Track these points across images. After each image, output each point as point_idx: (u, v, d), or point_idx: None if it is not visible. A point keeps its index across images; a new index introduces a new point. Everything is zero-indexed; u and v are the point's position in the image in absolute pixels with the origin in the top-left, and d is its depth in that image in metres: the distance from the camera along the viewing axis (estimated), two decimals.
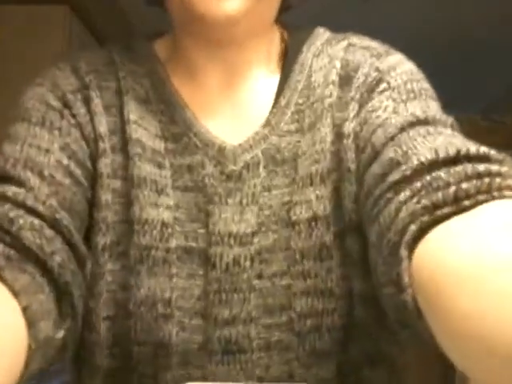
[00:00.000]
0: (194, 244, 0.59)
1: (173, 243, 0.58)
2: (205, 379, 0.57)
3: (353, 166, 0.59)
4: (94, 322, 0.58)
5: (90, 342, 0.59)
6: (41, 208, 0.52)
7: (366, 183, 0.54)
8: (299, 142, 0.61)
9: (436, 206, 0.42)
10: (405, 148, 0.50)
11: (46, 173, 0.55)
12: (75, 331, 0.52)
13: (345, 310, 0.58)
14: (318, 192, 0.59)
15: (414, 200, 0.44)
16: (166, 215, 0.59)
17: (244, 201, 0.59)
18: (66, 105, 0.61)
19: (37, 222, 0.51)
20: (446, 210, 0.42)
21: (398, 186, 0.47)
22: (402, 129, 0.53)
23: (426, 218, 0.42)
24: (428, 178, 0.45)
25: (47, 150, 0.57)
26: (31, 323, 0.44)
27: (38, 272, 0.49)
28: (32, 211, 0.51)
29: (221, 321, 0.58)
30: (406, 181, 0.47)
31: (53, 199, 0.54)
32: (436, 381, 2.37)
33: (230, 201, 0.59)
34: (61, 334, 0.49)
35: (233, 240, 0.58)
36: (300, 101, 0.62)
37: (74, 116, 0.61)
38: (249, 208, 0.59)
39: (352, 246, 0.59)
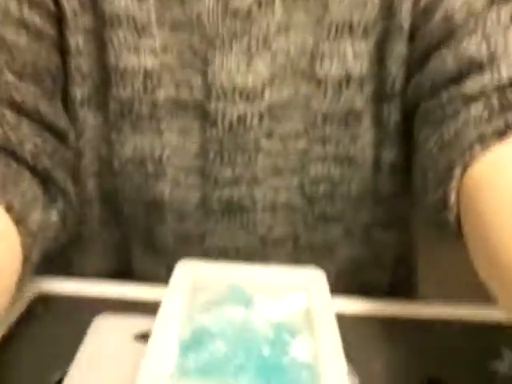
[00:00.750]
0: (187, 95, 0.51)
1: (160, 95, 0.50)
2: (202, 236, 0.55)
3: (406, 24, 0.49)
4: (80, 178, 0.54)
5: (80, 197, 0.54)
6: None
7: (432, 72, 0.46)
8: None
9: (510, 126, 0.38)
10: (493, 45, 0.42)
11: None
12: (72, 209, 0.48)
13: (366, 178, 0.54)
14: (356, 46, 0.50)
15: (485, 116, 0.40)
16: (150, 61, 0.49)
17: (253, 46, 0.49)
18: None
19: None
20: None
21: (472, 98, 0.42)
22: (491, 2, 0.43)
23: (494, 141, 0.39)
24: (509, 92, 0.40)
25: None
26: (19, 220, 0.40)
27: (11, 161, 0.43)
28: None
29: (221, 181, 0.53)
30: (483, 94, 0.41)
31: (8, 71, 0.44)
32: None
33: (234, 46, 0.49)
34: (54, 216, 0.45)
35: (238, 95, 0.49)
36: None
37: None
38: (259, 56, 0.49)
39: (389, 114, 0.52)
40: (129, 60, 0.49)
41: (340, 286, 0.58)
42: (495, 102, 0.40)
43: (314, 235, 0.56)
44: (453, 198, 0.40)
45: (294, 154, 0.53)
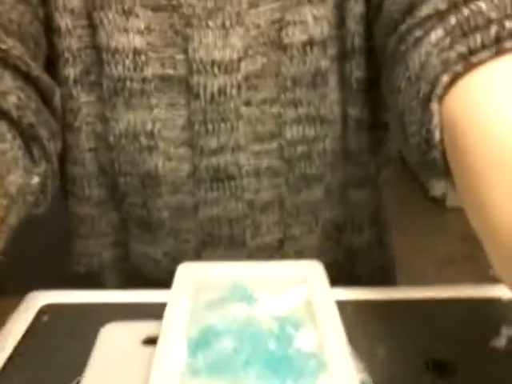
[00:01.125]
0: (172, 71, 0.54)
1: (149, 72, 0.54)
2: (195, 207, 0.58)
3: None
4: (78, 155, 0.58)
5: (76, 174, 0.59)
6: None
7: (387, 12, 0.48)
8: None
9: (472, 51, 0.38)
10: None
11: None
12: (53, 173, 0.49)
13: (337, 135, 0.58)
14: (315, 12, 0.54)
15: (447, 42, 0.39)
16: (138, 41, 0.53)
17: (227, 22, 0.53)
18: None
19: None
20: (483, 56, 0.37)
21: (428, 22, 0.42)
22: None
23: (459, 68, 0.38)
24: (466, 11, 0.39)
25: None
26: None
27: None
28: None
29: (208, 151, 0.56)
30: (438, 15, 0.41)
31: None
32: (416, 195, 2.47)
33: (210, 23, 0.52)
34: (35, 179, 0.46)
35: (217, 68, 0.53)
36: None
37: None
38: (233, 31, 0.53)
39: (351, 71, 0.56)
40: (119, 40, 0.53)
41: (325, 250, 0.63)
42: (454, 23, 0.40)
43: (297, 197, 0.60)
44: (437, 135, 0.39)
45: (271, 119, 0.57)
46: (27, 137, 0.46)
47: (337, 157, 0.59)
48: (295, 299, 0.43)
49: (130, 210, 0.60)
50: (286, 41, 0.54)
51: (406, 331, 0.48)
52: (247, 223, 0.59)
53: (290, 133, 0.57)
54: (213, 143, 0.56)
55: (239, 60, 0.53)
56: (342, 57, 0.56)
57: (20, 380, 0.45)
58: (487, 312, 0.51)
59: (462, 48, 0.38)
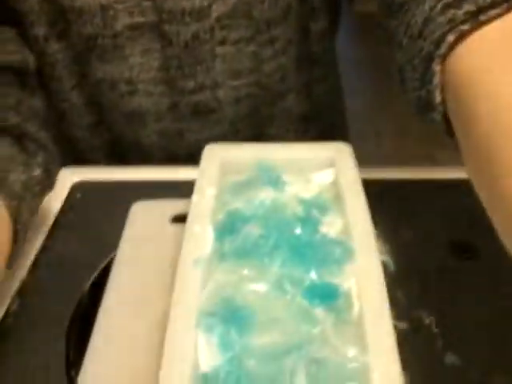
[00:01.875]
0: (142, 19, 0.53)
1: (118, 25, 0.53)
2: (180, 132, 0.60)
3: None
4: (64, 95, 0.58)
5: (66, 108, 0.59)
6: None
7: None
8: None
9: (482, 10, 0.35)
10: None
11: None
12: (54, 157, 0.50)
13: (301, 45, 0.60)
14: None
15: None
16: None
17: None
18: None
19: None
20: (493, 13, 0.35)
21: None
22: None
23: (467, 27, 0.35)
24: None
25: None
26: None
27: None
28: None
29: (187, 91, 0.57)
30: None
31: None
32: None
33: None
34: (37, 171, 0.46)
35: (188, 17, 0.52)
36: None
37: None
38: None
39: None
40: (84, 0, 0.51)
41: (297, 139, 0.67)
42: None
43: (273, 108, 0.63)
44: (438, 97, 0.38)
45: (247, 57, 0.57)
46: (16, 135, 0.46)
47: (302, 61, 0.61)
48: (322, 182, 0.43)
49: (120, 133, 0.61)
50: None
51: (430, 212, 0.48)
52: (229, 135, 0.62)
53: (268, 67, 0.58)
54: (190, 84, 0.57)
55: (210, 5, 0.52)
56: None
57: (59, 255, 0.47)
58: None
59: (470, 6, 0.35)
